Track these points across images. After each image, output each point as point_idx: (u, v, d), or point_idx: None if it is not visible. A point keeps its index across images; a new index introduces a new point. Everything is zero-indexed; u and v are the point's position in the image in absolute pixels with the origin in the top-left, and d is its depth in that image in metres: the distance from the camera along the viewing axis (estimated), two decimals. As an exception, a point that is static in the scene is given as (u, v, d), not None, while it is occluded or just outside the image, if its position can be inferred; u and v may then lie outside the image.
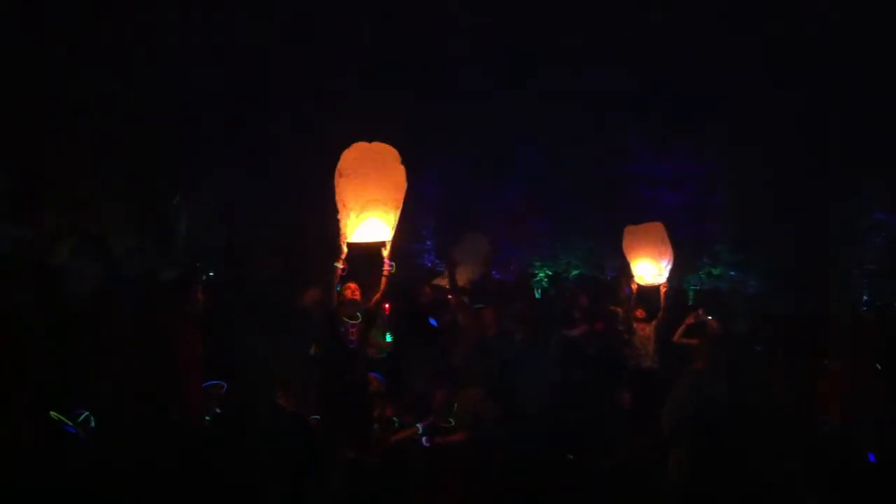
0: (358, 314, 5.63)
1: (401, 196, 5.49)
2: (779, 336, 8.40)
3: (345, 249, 5.40)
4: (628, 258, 7.90)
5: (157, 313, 5.78)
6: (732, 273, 14.09)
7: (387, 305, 6.94)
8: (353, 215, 5.34)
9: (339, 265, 5.39)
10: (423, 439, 5.87)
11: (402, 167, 5.53)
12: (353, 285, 5.66)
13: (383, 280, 5.58)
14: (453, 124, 13.69)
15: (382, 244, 5.49)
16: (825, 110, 13.19)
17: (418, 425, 5.89)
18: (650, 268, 7.72)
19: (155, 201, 11.90)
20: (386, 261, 5.51)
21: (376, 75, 13.23)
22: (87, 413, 4.94)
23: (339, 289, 5.61)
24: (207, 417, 5.62)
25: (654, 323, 8.03)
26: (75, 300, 5.65)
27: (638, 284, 7.89)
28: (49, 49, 10.28)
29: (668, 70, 13.88)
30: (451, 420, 6.01)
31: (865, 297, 12.93)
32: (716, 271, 14.15)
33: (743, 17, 13.71)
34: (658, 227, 7.85)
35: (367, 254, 5.60)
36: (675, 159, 14.66)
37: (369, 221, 5.38)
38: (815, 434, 6.08)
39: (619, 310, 8.26)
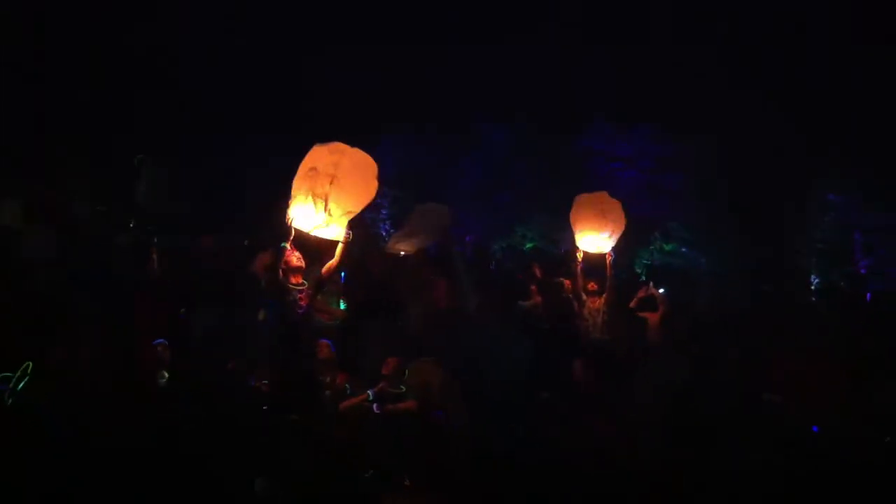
0: (304, 281, 5.60)
1: (363, 207, 5.58)
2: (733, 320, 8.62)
3: (293, 232, 5.41)
4: (573, 228, 8.03)
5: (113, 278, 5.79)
6: (685, 250, 14.33)
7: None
8: (315, 213, 5.35)
9: (287, 245, 5.40)
10: (374, 406, 5.94)
11: (376, 183, 5.55)
12: (296, 253, 5.61)
13: (340, 247, 5.55)
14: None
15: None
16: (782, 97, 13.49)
17: (369, 392, 5.93)
18: (592, 237, 7.85)
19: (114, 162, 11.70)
20: (346, 230, 5.51)
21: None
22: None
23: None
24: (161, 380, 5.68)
25: (605, 296, 8.15)
26: (28, 267, 5.62)
27: (583, 253, 7.98)
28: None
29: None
30: (402, 387, 6.05)
31: (815, 279, 13.28)
32: (668, 247, 14.40)
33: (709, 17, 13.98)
34: (603, 198, 7.96)
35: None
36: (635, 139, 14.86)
37: (330, 226, 5.44)
38: (770, 417, 6.20)
39: (565, 281, 8.39)
